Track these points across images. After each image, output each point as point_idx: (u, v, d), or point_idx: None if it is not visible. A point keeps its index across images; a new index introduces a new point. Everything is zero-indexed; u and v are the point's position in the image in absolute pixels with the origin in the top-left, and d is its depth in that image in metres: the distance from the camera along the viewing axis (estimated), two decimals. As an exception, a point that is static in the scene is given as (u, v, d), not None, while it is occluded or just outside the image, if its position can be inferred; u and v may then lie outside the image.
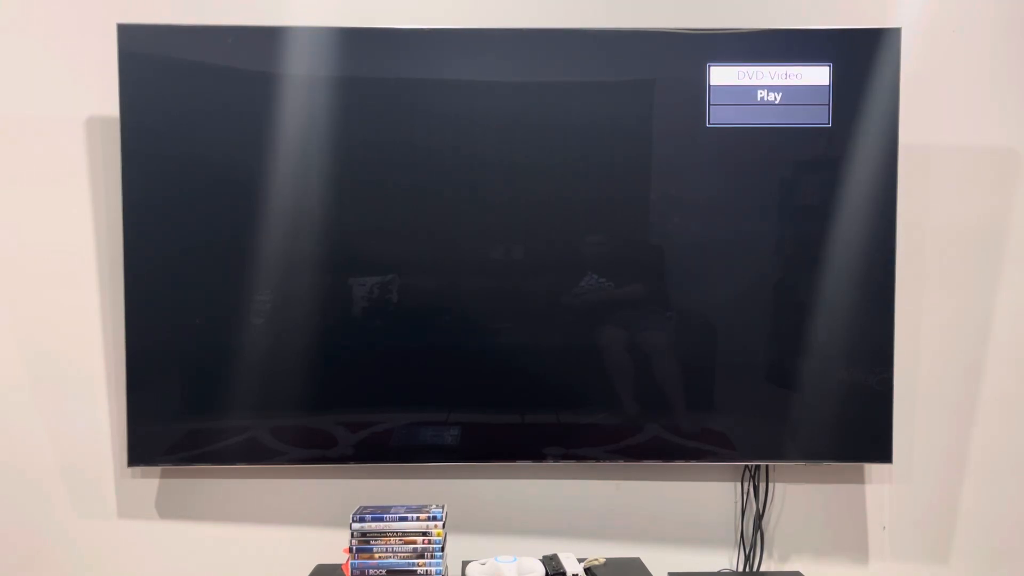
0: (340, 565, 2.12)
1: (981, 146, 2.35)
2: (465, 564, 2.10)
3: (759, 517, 2.35)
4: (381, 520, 2.05)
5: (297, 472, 2.32)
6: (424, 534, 2.05)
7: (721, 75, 2.17)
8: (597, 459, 2.25)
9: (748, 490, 2.36)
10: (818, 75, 2.17)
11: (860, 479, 2.38)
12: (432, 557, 2.05)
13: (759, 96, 2.17)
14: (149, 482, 2.33)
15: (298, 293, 2.17)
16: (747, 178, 2.20)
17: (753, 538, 2.35)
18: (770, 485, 2.35)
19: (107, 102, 2.20)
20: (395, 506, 2.11)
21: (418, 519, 2.06)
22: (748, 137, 2.18)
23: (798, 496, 2.38)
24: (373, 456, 2.25)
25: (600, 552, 2.29)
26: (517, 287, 2.20)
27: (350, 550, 2.06)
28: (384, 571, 2.04)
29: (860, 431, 2.24)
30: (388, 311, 2.19)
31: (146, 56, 2.13)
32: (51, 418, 2.31)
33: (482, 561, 2.07)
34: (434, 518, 2.06)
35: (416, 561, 2.04)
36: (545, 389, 2.23)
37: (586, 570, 2.13)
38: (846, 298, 2.21)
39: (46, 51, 2.25)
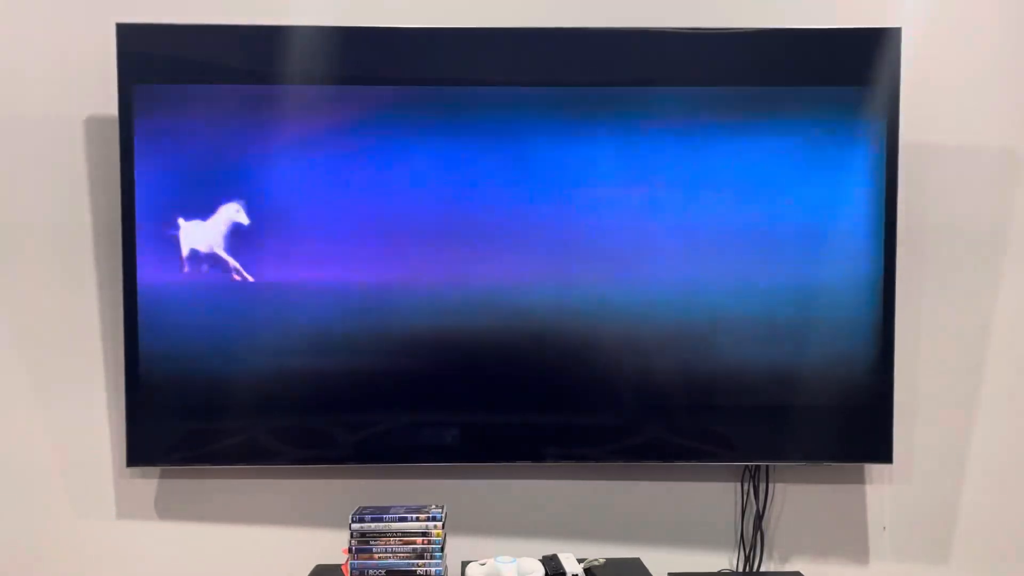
0: (339, 565, 2.12)
1: (981, 146, 2.35)
2: (465, 564, 2.10)
3: (759, 517, 2.35)
4: (380, 520, 2.05)
5: (297, 472, 2.32)
6: (424, 534, 2.05)
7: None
8: (597, 459, 2.25)
9: (748, 490, 2.35)
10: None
11: (860, 479, 2.38)
12: (432, 558, 2.04)
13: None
14: (148, 482, 2.33)
15: (298, 292, 2.17)
16: (746, 178, 2.20)
17: (753, 538, 2.35)
18: (770, 485, 2.35)
19: (107, 102, 2.20)
20: (394, 506, 2.11)
21: (418, 519, 2.05)
22: (747, 136, 2.19)
23: (798, 496, 2.38)
24: (373, 456, 2.25)
25: (600, 552, 2.29)
26: (518, 287, 2.19)
27: (349, 550, 2.05)
28: (383, 571, 2.04)
29: (860, 431, 2.24)
30: (388, 311, 2.19)
31: (146, 56, 2.13)
32: (51, 418, 2.30)
33: (482, 562, 2.06)
34: (434, 518, 2.06)
35: (416, 562, 2.04)
36: (545, 389, 2.23)
37: (586, 570, 2.13)
38: (846, 298, 2.21)
39: (46, 51, 2.25)
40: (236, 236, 2.15)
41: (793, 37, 2.19)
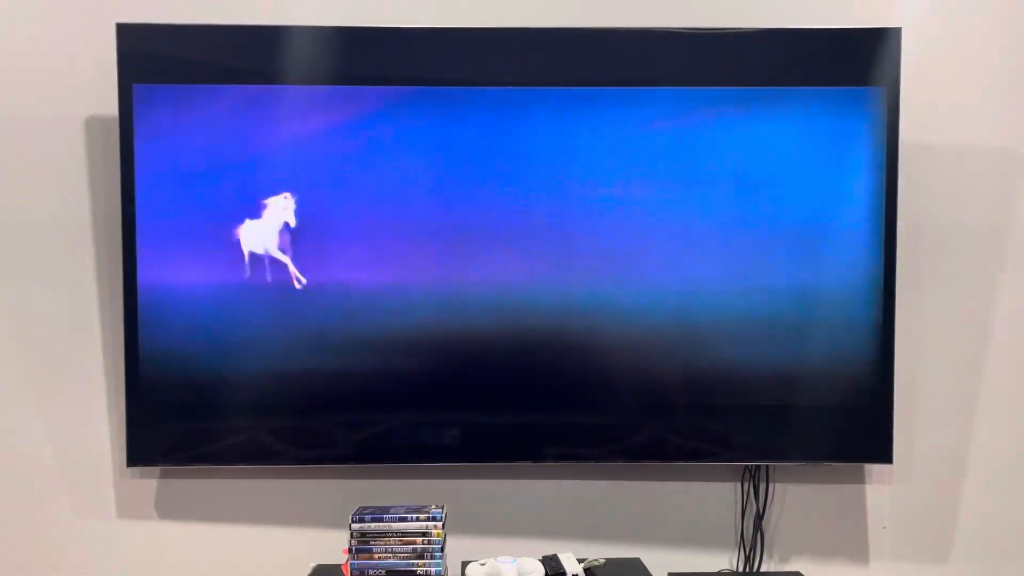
0: (339, 565, 2.12)
1: (981, 146, 2.35)
2: (465, 564, 2.10)
3: (759, 517, 2.35)
4: (380, 520, 2.05)
5: (297, 472, 2.32)
6: (424, 534, 2.05)
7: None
8: (597, 459, 2.25)
9: (748, 490, 2.35)
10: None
11: (860, 479, 2.38)
12: (432, 557, 2.04)
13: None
14: (148, 482, 2.33)
15: (297, 292, 2.17)
16: (747, 178, 2.20)
17: (753, 538, 2.35)
18: (770, 485, 2.35)
19: (107, 102, 2.20)
20: (395, 506, 2.11)
21: (418, 519, 2.05)
22: (747, 136, 2.19)
23: (798, 496, 2.38)
24: (373, 456, 2.25)
25: (600, 552, 2.29)
26: (518, 287, 2.19)
27: (349, 550, 2.05)
28: (383, 571, 2.04)
29: (860, 431, 2.24)
30: (387, 311, 2.19)
31: (146, 56, 2.13)
32: (51, 418, 2.30)
33: (482, 561, 2.06)
34: (434, 518, 2.06)
35: (416, 561, 2.04)
36: (545, 389, 2.23)
37: (586, 570, 2.13)
38: (846, 297, 2.21)
39: (46, 51, 2.25)
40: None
41: (793, 37, 2.19)
